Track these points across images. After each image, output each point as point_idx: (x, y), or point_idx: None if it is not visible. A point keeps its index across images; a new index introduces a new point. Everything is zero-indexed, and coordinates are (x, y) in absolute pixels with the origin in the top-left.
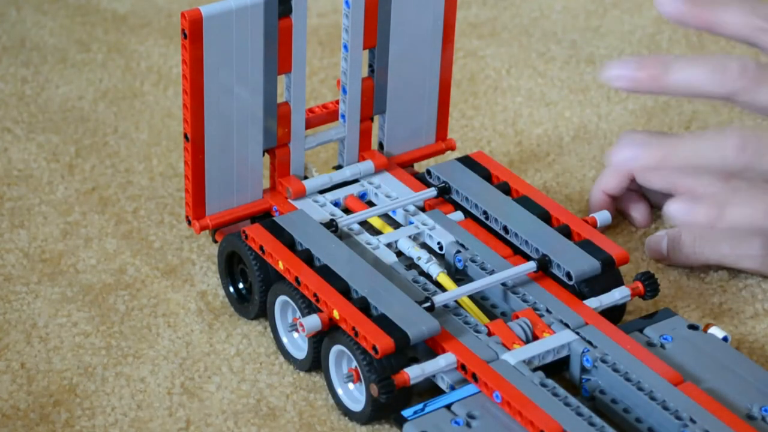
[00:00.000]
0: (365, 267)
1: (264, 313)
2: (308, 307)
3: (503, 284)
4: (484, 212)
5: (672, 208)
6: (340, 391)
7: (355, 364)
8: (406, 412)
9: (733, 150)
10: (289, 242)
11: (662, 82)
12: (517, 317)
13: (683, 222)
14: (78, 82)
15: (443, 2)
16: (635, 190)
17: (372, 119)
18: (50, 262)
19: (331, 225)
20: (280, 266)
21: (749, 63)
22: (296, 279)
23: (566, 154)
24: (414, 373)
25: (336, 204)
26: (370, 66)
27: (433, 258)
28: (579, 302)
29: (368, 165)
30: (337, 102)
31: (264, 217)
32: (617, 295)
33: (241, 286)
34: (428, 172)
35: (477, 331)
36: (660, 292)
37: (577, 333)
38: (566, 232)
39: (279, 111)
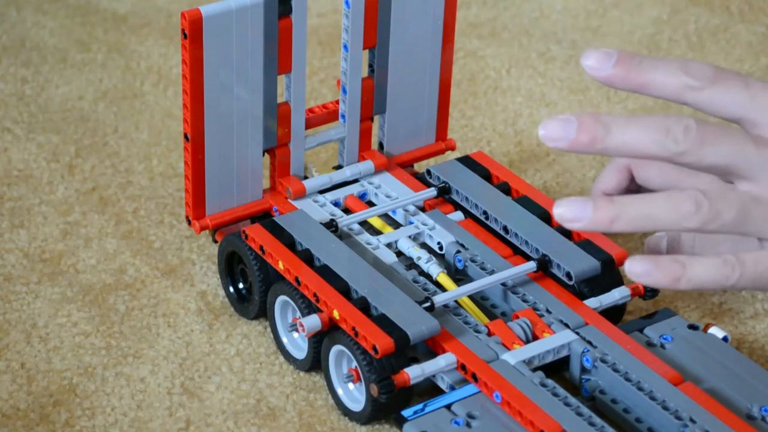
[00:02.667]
0: (365, 267)
1: (264, 313)
2: (308, 307)
3: (503, 284)
4: (484, 212)
5: (633, 269)
6: (340, 391)
7: (355, 364)
8: (406, 412)
9: (687, 212)
10: (289, 242)
11: (602, 144)
12: (517, 317)
13: (644, 283)
14: (78, 82)
15: (443, 2)
16: (634, 189)
17: (372, 119)
18: (50, 262)
19: (331, 225)
20: (280, 266)
21: (691, 123)
22: (296, 279)
23: (566, 154)
24: (414, 373)
25: (336, 204)
26: (370, 66)
27: (433, 258)
28: (579, 302)
29: (368, 165)
30: (337, 102)
31: (264, 217)
32: (617, 295)
33: (241, 286)
34: (428, 172)
35: (477, 331)
36: (660, 292)
37: (577, 333)
38: (566, 232)
39: (279, 111)
